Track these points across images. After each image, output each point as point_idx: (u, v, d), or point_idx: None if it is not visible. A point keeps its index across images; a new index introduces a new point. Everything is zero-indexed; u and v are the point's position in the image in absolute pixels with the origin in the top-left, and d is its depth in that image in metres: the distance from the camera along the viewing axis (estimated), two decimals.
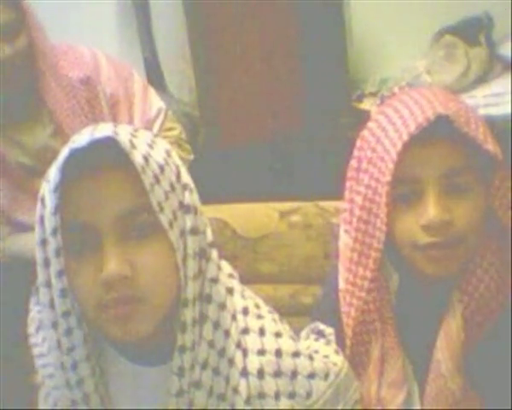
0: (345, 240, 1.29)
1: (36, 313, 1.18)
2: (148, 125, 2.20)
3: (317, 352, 1.16)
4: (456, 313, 1.22)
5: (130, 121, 2.17)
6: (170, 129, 2.28)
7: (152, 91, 2.28)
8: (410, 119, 1.17)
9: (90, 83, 2.13)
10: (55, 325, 1.07)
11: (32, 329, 1.19)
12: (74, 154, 1.01)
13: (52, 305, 1.06)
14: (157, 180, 1.02)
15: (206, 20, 2.72)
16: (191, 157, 2.33)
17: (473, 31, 2.65)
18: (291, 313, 1.63)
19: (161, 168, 1.04)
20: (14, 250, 2.08)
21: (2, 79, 1.99)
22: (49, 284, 1.06)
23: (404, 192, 1.19)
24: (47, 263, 1.05)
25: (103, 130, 1.03)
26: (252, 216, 1.83)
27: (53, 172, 1.02)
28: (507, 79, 2.59)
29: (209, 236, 1.10)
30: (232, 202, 1.88)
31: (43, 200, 1.05)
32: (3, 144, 2.08)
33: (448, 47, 2.65)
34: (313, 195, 1.81)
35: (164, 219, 1.02)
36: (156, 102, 2.26)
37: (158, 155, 1.05)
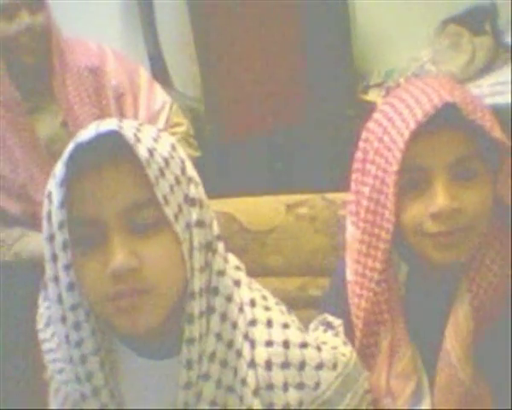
0: (352, 232, 1.29)
1: (44, 308, 1.18)
2: (154, 118, 2.23)
3: (325, 343, 1.16)
4: (465, 303, 1.22)
5: (136, 113, 2.20)
6: (177, 125, 2.30)
7: (157, 85, 2.32)
8: (417, 107, 1.16)
9: (98, 73, 2.17)
10: (63, 319, 1.08)
11: (40, 325, 1.20)
12: (80, 148, 1.01)
13: (60, 299, 1.07)
14: (162, 173, 1.02)
15: (210, 14, 2.72)
16: (198, 154, 2.34)
17: (478, 19, 2.64)
18: (299, 305, 1.63)
19: (166, 162, 1.04)
20: (28, 251, 2.09)
21: (18, 47, 2.05)
22: (56, 279, 1.06)
23: (412, 181, 1.18)
24: (54, 258, 1.05)
25: (108, 124, 1.03)
26: (259, 209, 1.83)
27: (59, 167, 1.03)
28: None
29: (215, 229, 1.11)
30: (239, 195, 1.88)
31: (49, 196, 1.05)
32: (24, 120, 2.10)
33: (453, 36, 2.64)
34: (320, 187, 1.81)
35: (169, 211, 1.02)
36: (161, 95, 2.29)
37: (163, 149, 1.05)
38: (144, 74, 2.30)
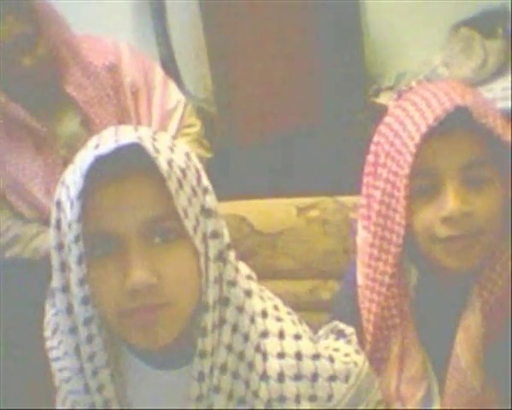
0: (363, 236, 1.29)
1: (52, 315, 1.16)
2: (167, 116, 2.22)
3: (337, 350, 1.14)
4: (476, 308, 1.21)
5: (149, 111, 2.19)
6: (190, 125, 2.29)
7: (172, 84, 2.30)
8: (428, 111, 1.16)
9: (115, 70, 2.15)
10: (73, 331, 1.06)
11: (48, 332, 1.17)
12: (99, 160, 0.99)
13: (70, 311, 1.05)
14: (180, 185, 1.00)
15: (222, 16, 2.72)
16: (210, 155, 2.33)
17: (490, 23, 2.63)
18: (310, 308, 1.63)
19: (183, 173, 1.02)
20: (45, 248, 2.09)
21: (27, 86, 2.02)
22: (66, 290, 1.04)
23: (423, 185, 1.18)
24: (63, 268, 1.04)
25: (126, 135, 1.01)
26: (270, 212, 1.83)
27: (76, 179, 1.00)
28: None
29: (226, 238, 1.09)
30: (250, 198, 1.87)
31: (59, 204, 1.03)
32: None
33: (465, 40, 2.63)
34: (331, 190, 1.81)
35: (188, 224, 1.00)
36: (176, 94, 2.28)
37: (179, 159, 1.03)
38: (159, 72, 2.28)
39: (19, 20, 1.97)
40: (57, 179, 2.05)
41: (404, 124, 1.20)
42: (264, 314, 1.12)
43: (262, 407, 1.07)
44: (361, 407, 1.13)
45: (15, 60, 1.98)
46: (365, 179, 1.28)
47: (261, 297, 1.14)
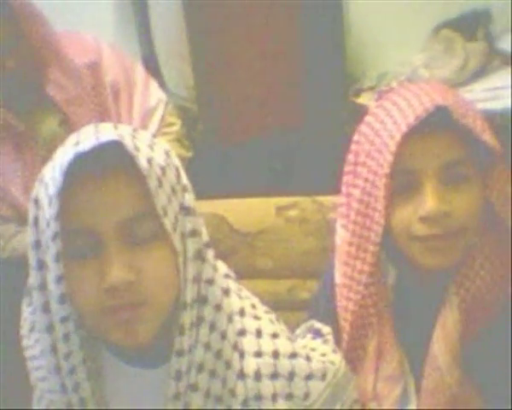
0: (341, 234, 1.29)
1: (28, 314, 1.15)
2: (148, 115, 2.21)
3: (314, 350, 1.14)
4: (453, 307, 1.22)
5: (130, 110, 2.18)
6: (171, 124, 2.28)
7: (153, 83, 2.29)
8: (409, 110, 1.16)
9: (95, 68, 2.13)
10: (49, 329, 1.05)
11: (24, 330, 1.17)
12: (78, 157, 0.98)
13: (46, 309, 1.04)
14: (160, 184, 1.00)
15: (204, 16, 2.72)
16: (190, 154, 2.32)
17: (471, 25, 2.64)
18: (288, 307, 1.63)
19: (163, 171, 1.02)
20: (24, 247, 2.07)
21: (10, 87, 2.01)
22: (42, 288, 1.04)
23: (402, 184, 1.18)
24: (40, 266, 1.03)
25: (106, 132, 1.01)
26: (249, 211, 1.83)
27: (55, 176, 1.00)
28: (506, 73, 2.57)
29: (205, 236, 1.08)
30: (229, 197, 1.87)
31: (36, 201, 1.03)
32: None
33: (446, 41, 2.64)
34: (310, 190, 1.81)
35: (168, 223, 1.00)
36: (157, 92, 2.27)
37: (159, 157, 1.03)
38: (141, 70, 2.27)
39: (0, 23, 1.95)
40: (36, 179, 2.06)
41: (384, 123, 1.20)
42: (242, 313, 1.12)
43: (239, 406, 1.07)
44: (337, 406, 1.13)
45: None
46: (345, 178, 1.28)
47: (239, 296, 1.14)
